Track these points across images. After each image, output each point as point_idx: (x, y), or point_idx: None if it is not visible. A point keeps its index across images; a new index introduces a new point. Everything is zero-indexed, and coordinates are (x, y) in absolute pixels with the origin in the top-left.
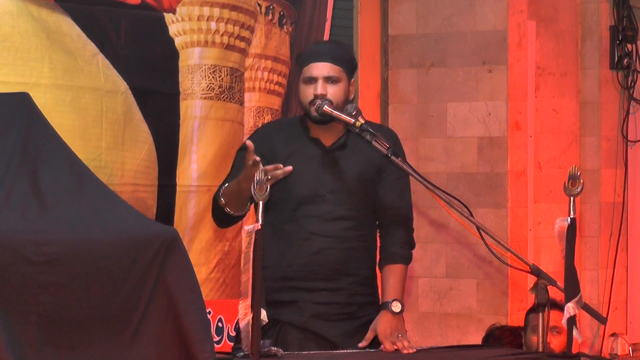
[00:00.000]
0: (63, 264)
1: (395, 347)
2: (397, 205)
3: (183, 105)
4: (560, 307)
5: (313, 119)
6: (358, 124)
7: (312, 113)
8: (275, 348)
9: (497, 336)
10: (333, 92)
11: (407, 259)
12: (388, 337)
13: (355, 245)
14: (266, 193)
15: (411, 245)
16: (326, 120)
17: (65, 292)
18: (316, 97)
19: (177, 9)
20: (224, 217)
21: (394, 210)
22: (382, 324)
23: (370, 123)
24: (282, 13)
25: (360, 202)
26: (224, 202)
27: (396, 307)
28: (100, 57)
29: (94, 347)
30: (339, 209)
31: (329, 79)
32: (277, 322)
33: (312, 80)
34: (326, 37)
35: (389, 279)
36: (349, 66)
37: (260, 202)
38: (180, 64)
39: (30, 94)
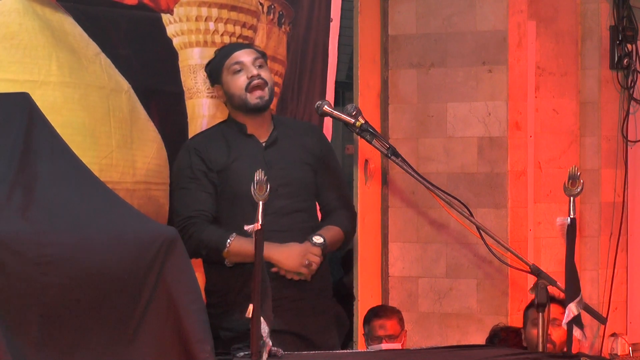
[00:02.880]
0: (63, 264)
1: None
2: (341, 195)
3: (190, 104)
4: (559, 301)
5: (253, 106)
6: (358, 124)
7: (250, 101)
8: (275, 348)
9: (503, 338)
10: (265, 75)
11: (348, 231)
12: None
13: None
14: (266, 193)
15: (354, 228)
16: (264, 107)
17: (66, 292)
18: (252, 78)
19: (175, 10)
20: (210, 261)
21: (338, 201)
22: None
23: (285, 119)
24: (281, 12)
25: (310, 192)
26: (228, 262)
27: (317, 239)
28: (103, 57)
29: (94, 347)
30: (292, 202)
31: (256, 62)
32: None
33: (241, 65)
34: (334, 38)
35: (325, 227)
36: (265, 57)
37: (260, 202)
38: (180, 64)
39: (41, 92)
